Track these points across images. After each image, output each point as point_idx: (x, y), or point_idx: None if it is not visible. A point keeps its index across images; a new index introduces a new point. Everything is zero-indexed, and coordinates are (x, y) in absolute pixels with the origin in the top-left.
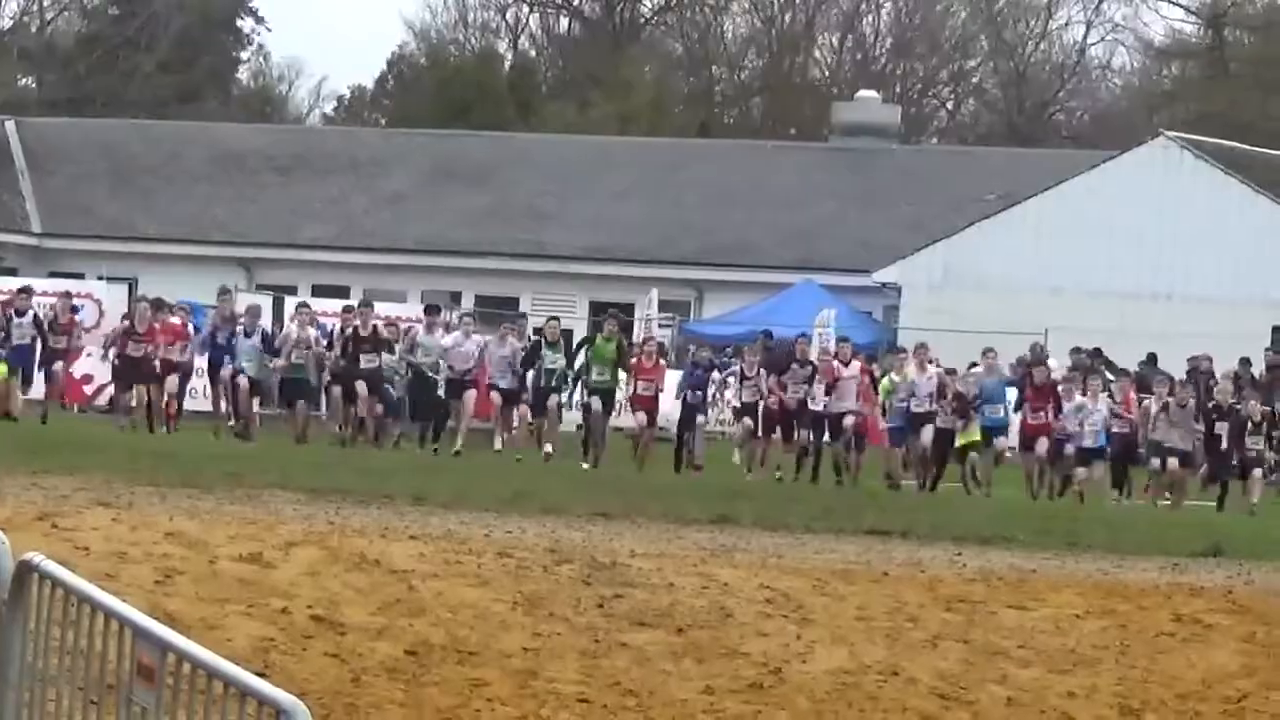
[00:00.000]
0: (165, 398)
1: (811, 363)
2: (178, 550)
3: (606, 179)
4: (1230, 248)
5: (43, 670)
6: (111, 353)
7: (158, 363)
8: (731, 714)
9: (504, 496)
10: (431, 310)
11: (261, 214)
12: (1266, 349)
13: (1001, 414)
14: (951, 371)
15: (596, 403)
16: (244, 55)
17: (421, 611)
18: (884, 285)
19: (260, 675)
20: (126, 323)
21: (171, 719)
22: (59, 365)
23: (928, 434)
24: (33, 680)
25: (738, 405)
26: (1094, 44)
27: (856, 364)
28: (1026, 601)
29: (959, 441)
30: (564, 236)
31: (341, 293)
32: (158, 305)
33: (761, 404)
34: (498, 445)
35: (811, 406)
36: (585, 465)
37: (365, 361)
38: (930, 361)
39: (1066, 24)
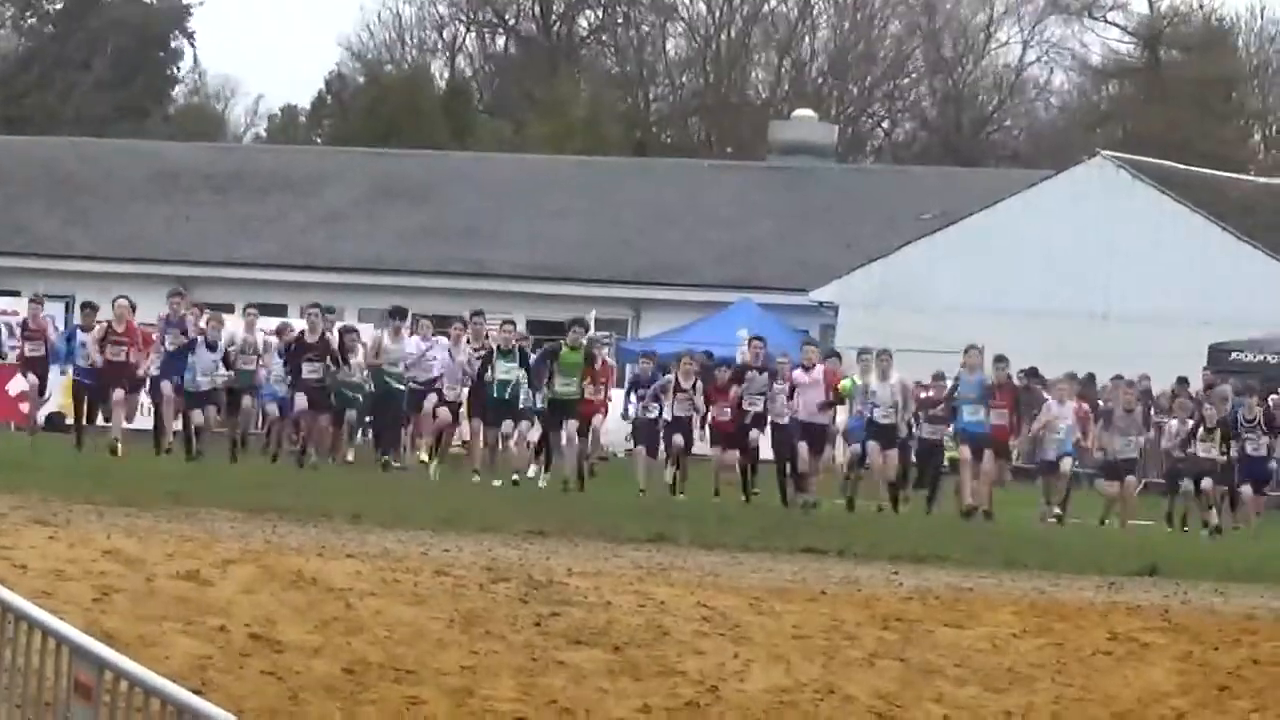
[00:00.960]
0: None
1: (769, 368)
2: (115, 568)
3: (544, 198)
4: (1167, 267)
5: None
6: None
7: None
8: None
9: (441, 515)
10: (397, 314)
11: (198, 232)
12: (1204, 368)
13: (982, 416)
14: (935, 378)
15: (560, 418)
16: (180, 74)
17: (359, 630)
18: (820, 304)
19: (197, 693)
20: (104, 324)
21: None
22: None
23: (889, 456)
24: None
25: (668, 419)
26: (1031, 63)
27: (820, 369)
28: (963, 620)
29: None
30: (501, 255)
31: (279, 311)
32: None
33: (696, 418)
34: (476, 475)
35: (773, 418)
36: (533, 473)
37: (308, 371)
38: (891, 369)
39: (1004, 44)
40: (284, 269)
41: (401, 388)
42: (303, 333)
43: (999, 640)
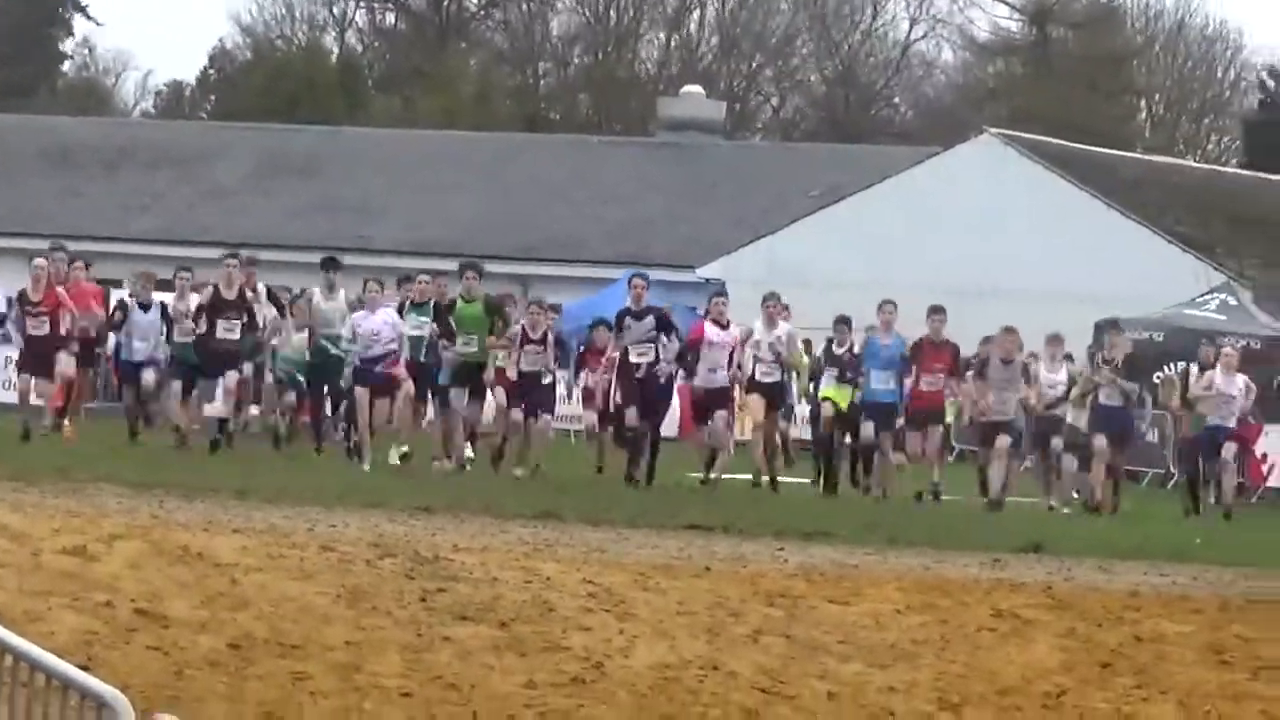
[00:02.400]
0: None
1: (657, 309)
2: (0, 543)
3: (433, 173)
4: (1054, 244)
5: None
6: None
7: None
8: (554, 708)
9: (328, 491)
10: (329, 265)
11: (90, 207)
12: (1089, 346)
13: (893, 386)
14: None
15: (460, 396)
16: (70, 49)
17: (244, 605)
18: (708, 281)
19: (83, 668)
20: (20, 290)
21: None
22: None
23: (756, 409)
24: None
25: (513, 377)
26: (918, 40)
27: (735, 330)
28: (848, 597)
29: (826, 395)
30: (391, 231)
31: (169, 286)
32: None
33: (552, 377)
34: (438, 464)
35: (663, 376)
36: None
37: (223, 330)
38: (783, 317)
39: (892, 20)
40: (173, 244)
41: (340, 354)
42: (217, 287)
43: (883, 616)
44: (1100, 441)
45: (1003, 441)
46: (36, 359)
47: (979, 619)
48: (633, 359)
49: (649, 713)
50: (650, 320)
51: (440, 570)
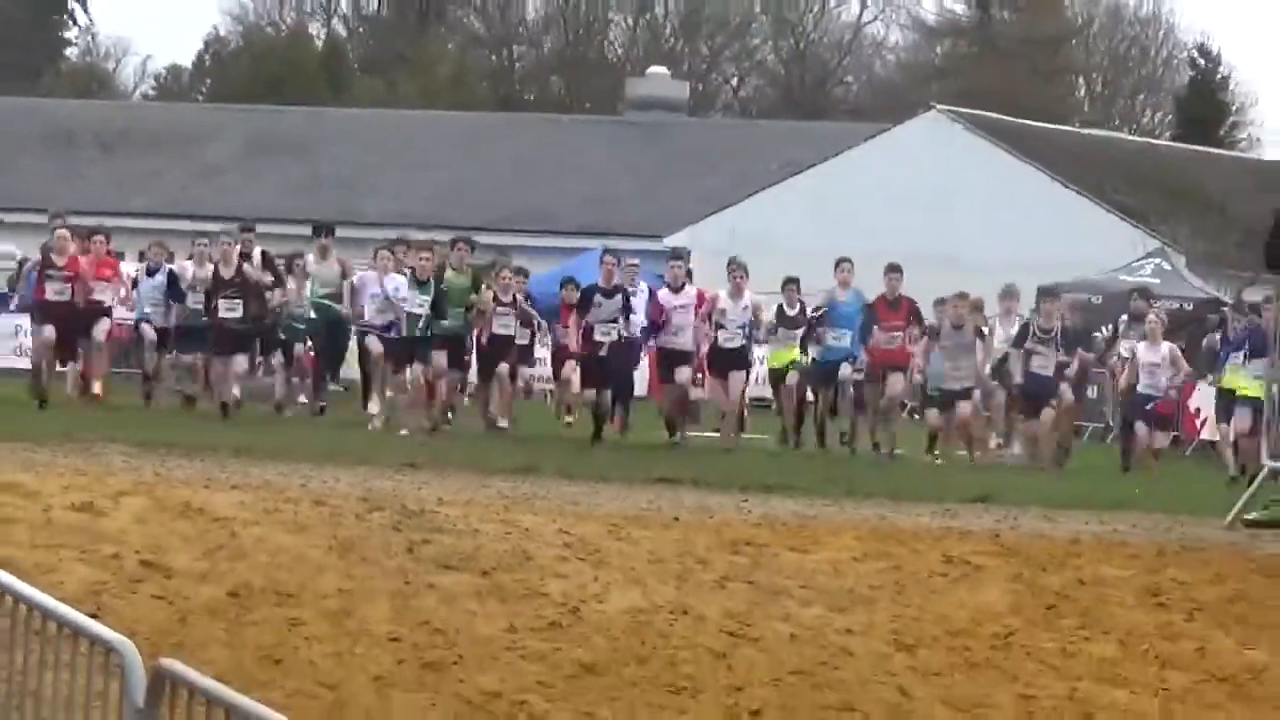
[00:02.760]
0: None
1: (622, 289)
2: (13, 500)
3: (415, 151)
4: (998, 213)
5: None
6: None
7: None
8: (533, 650)
9: (320, 450)
10: (323, 232)
11: (90, 186)
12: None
13: (847, 343)
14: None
15: (441, 358)
16: (73, 37)
17: (243, 556)
18: (674, 249)
19: (92, 616)
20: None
21: (9, 656)
22: None
23: (736, 381)
24: None
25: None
26: (869, 22)
27: (692, 290)
28: (808, 545)
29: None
30: (376, 204)
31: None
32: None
33: (530, 337)
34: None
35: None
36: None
37: (225, 310)
38: (745, 286)
39: (844, 2)
40: (169, 218)
41: (340, 309)
42: (216, 266)
43: (841, 564)
44: (1054, 403)
45: (963, 409)
46: (54, 320)
47: (931, 565)
48: (597, 337)
49: (622, 654)
50: (619, 300)
51: (425, 523)
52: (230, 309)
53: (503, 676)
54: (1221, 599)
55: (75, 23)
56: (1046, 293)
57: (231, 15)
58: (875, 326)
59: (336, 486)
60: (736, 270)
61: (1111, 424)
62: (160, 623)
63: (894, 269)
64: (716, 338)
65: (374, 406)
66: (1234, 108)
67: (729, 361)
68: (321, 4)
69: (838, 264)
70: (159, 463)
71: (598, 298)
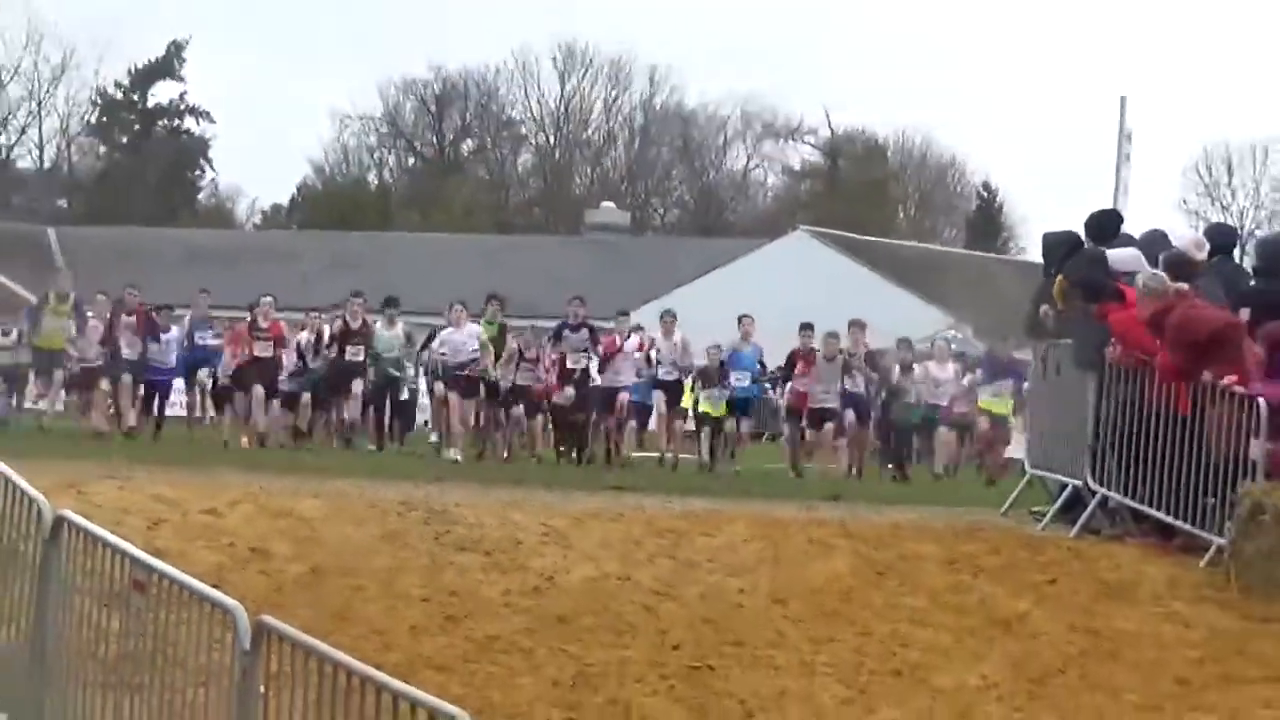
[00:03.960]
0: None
1: (590, 326)
2: (161, 507)
3: (441, 262)
4: (842, 300)
5: (72, 585)
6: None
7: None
8: (521, 607)
9: (372, 469)
10: (390, 303)
11: (216, 292)
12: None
13: (748, 384)
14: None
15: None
16: (203, 183)
17: (319, 544)
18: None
19: (216, 587)
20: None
21: (155, 614)
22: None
23: (672, 405)
24: (69, 592)
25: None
26: (754, 168)
27: (636, 339)
28: (712, 531)
29: (704, 409)
30: (419, 301)
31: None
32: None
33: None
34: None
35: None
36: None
37: (350, 354)
38: (674, 328)
39: (736, 157)
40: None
41: (398, 374)
42: (346, 319)
43: (735, 544)
44: (849, 416)
45: (828, 428)
46: (258, 375)
47: (798, 545)
48: (569, 365)
49: (582, 608)
50: (585, 333)
51: (447, 518)
52: (354, 354)
53: (501, 625)
54: (997, 565)
55: (203, 173)
56: (856, 324)
57: (314, 166)
58: (795, 373)
59: (384, 494)
60: (667, 316)
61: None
62: (263, 592)
63: (806, 327)
64: (658, 372)
65: (453, 453)
66: (1008, 226)
67: (666, 390)
68: (375, 159)
69: (740, 319)
70: (259, 481)
71: (566, 332)
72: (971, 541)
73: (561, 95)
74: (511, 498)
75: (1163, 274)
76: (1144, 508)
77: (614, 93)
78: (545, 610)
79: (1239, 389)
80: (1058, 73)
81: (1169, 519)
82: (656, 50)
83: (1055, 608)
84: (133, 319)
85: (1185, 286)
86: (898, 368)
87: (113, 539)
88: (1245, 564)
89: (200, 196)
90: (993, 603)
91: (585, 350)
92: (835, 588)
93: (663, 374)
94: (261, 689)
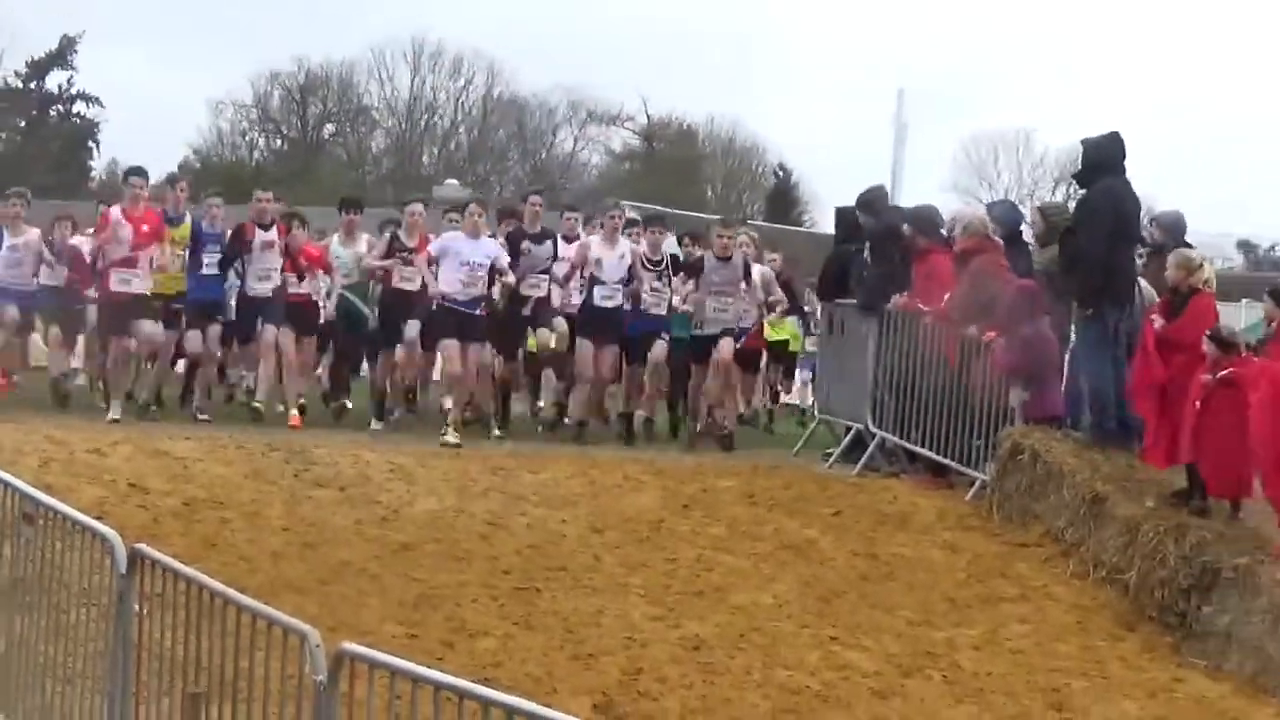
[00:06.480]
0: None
1: (550, 234)
2: (50, 447)
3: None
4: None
5: None
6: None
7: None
8: (371, 536)
9: (245, 418)
10: (350, 205)
11: None
12: None
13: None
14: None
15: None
16: (94, 162)
17: (192, 480)
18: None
19: (97, 519)
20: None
21: (41, 543)
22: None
23: (605, 354)
24: None
25: None
26: (580, 150)
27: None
28: (538, 469)
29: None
30: None
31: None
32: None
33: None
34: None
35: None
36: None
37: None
38: (625, 234)
39: (564, 140)
40: None
41: (365, 311)
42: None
43: (559, 480)
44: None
45: (723, 350)
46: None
47: (614, 480)
48: (524, 291)
49: (424, 536)
50: (549, 245)
51: (306, 458)
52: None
53: (352, 552)
54: (790, 498)
55: (93, 154)
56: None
57: (192, 148)
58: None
59: (253, 437)
60: (615, 213)
61: None
62: (142, 523)
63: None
64: (591, 294)
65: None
66: (802, 202)
67: (598, 326)
68: (246, 141)
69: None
70: (141, 425)
71: (525, 244)
72: (767, 478)
73: (411, 86)
74: (362, 439)
75: (987, 219)
76: (918, 448)
77: (458, 84)
78: (391, 539)
79: (994, 344)
80: (846, 66)
81: (939, 458)
82: (495, 46)
83: (840, 536)
84: None
85: (1001, 242)
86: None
87: (5, 475)
88: (1005, 497)
89: (94, 175)
90: (785, 532)
91: (546, 269)
92: (646, 519)
93: (598, 297)
94: (137, 609)
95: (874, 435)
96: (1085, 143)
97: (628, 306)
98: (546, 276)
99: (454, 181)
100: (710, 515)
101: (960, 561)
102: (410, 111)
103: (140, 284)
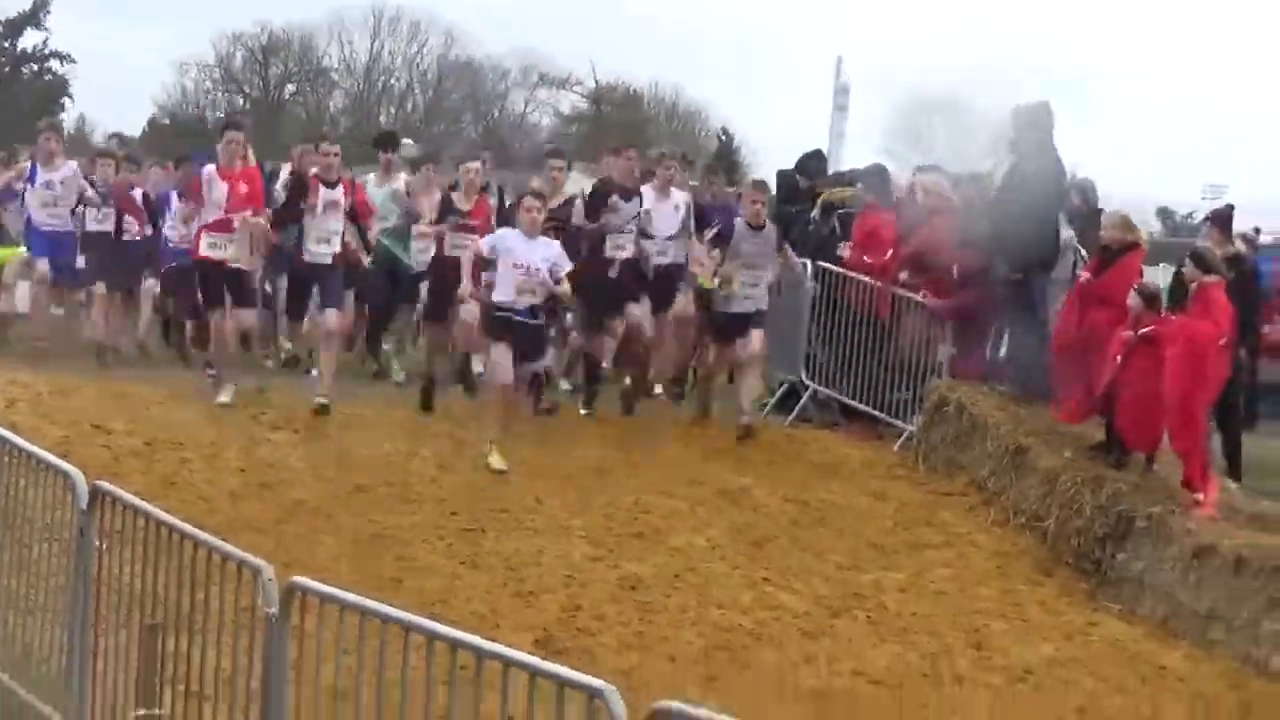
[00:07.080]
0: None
1: (636, 190)
2: (15, 389)
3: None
4: None
5: None
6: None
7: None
8: (326, 477)
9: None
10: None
11: None
12: None
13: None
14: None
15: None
16: (65, 117)
17: (153, 422)
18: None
19: (61, 458)
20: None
21: (7, 481)
22: None
23: (668, 320)
24: None
25: None
26: (532, 112)
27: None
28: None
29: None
30: None
31: None
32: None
33: None
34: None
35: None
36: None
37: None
38: (678, 186)
39: (515, 102)
40: None
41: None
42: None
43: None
44: None
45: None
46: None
47: (562, 426)
48: (609, 253)
49: (380, 480)
50: (636, 202)
51: (265, 402)
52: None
53: (309, 492)
54: (726, 447)
55: (65, 109)
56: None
57: (158, 105)
58: None
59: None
60: (669, 161)
61: None
62: (104, 462)
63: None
64: (642, 248)
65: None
66: (744, 165)
67: (657, 288)
68: (210, 100)
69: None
70: (106, 371)
71: (614, 198)
72: (705, 428)
73: (370, 50)
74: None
75: (946, 184)
76: (848, 400)
77: (414, 48)
78: (348, 481)
79: (930, 302)
80: (787, 35)
81: (868, 410)
82: (451, 11)
83: (773, 483)
84: None
85: (958, 204)
86: None
87: None
88: (931, 448)
89: (66, 128)
90: (720, 479)
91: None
92: (591, 466)
93: (654, 251)
94: (97, 544)
95: (807, 387)
96: (1015, 111)
97: (681, 261)
98: (631, 236)
99: (409, 141)
100: (650, 461)
101: (888, 509)
102: (368, 73)
103: (235, 250)
